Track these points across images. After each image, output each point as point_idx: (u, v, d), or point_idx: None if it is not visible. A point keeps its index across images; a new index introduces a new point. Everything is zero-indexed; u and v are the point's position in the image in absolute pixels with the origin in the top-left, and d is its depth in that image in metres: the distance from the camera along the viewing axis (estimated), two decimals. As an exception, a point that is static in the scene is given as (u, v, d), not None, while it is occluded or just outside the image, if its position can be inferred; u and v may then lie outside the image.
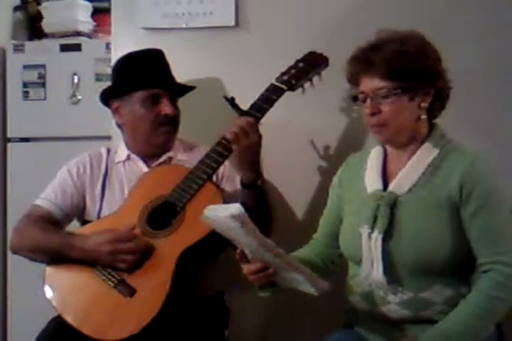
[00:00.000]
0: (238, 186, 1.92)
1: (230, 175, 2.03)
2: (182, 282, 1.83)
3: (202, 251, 1.85)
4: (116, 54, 2.26)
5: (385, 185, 1.71)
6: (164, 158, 2.09)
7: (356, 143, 2.14)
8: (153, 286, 1.81)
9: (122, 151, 2.13)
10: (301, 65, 1.95)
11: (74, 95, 3.10)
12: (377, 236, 1.63)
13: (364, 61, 1.68)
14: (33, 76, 3.14)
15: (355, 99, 1.73)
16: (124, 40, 2.38)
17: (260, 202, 1.89)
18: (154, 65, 2.08)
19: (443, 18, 2.18)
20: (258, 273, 1.60)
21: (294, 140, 2.24)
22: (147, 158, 2.10)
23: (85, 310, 1.86)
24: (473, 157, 1.66)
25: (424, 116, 1.69)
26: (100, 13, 3.31)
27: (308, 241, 1.88)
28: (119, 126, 2.13)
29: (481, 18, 2.18)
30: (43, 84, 3.14)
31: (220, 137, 1.88)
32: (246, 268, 1.61)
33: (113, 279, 1.85)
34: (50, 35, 3.28)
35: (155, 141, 2.06)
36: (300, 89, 1.96)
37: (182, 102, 2.13)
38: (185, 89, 2.14)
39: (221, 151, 1.88)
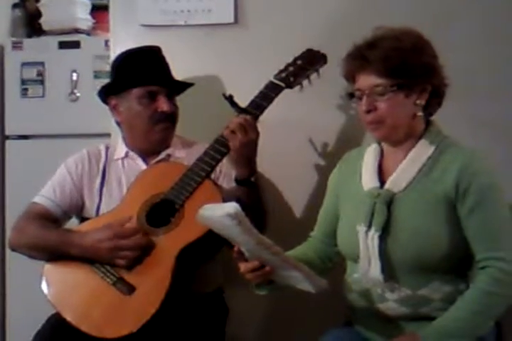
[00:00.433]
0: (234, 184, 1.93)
1: (227, 172, 2.03)
2: (181, 279, 1.83)
3: (201, 248, 1.85)
4: (115, 51, 2.26)
5: (382, 182, 1.70)
6: (163, 155, 2.09)
7: (354, 140, 2.13)
8: (152, 284, 1.81)
9: (121, 148, 2.13)
10: (299, 62, 1.96)
11: (73, 92, 3.10)
12: (374, 233, 1.63)
13: (360, 58, 1.67)
14: (31, 73, 3.14)
15: (351, 96, 1.73)
16: (123, 38, 2.38)
17: (254, 199, 1.89)
18: (151, 62, 2.08)
19: (443, 15, 2.18)
20: (255, 271, 1.59)
21: (292, 137, 2.24)
22: (145, 155, 2.10)
23: (84, 307, 1.86)
24: (470, 154, 1.66)
25: (420, 113, 1.69)
26: (99, 10, 3.30)
27: (305, 239, 1.88)
28: (118, 123, 2.13)
29: (480, 17, 2.18)
30: (42, 82, 3.14)
31: (218, 134, 1.88)
32: (243, 266, 1.61)
33: (112, 276, 1.85)
34: (49, 33, 3.27)
35: (152, 137, 2.06)
36: (298, 87, 1.96)
37: (181, 99, 2.13)
38: (183, 86, 2.14)
39: (219, 149, 1.88)
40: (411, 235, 1.62)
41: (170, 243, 1.84)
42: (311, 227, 1.90)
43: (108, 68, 2.24)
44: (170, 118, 2.06)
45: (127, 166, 2.10)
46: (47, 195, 2.05)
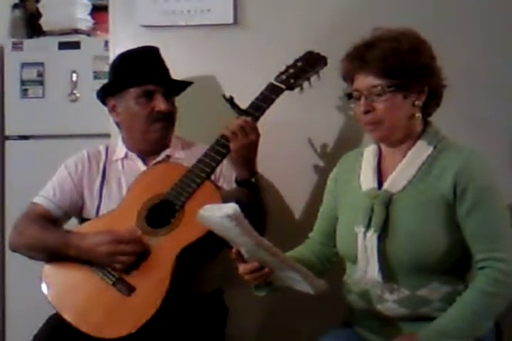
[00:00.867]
0: (234, 185, 1.93)
1: (227, 173, 2.03)
2: (181, 280, 1.83)
3: (201, 249, 1.85)
4: (115, 52, 2.26)
5: (380, 183, 1.71)
6: (162, 156, 2.09)
7: (354, 141, 2.13)
8: (152, 284, 1.81)
9: (120, 149, 2.13)
10: (299, 64, 1.96)
11: (72, 93, 3.10)
12: (372, 234, 1.63)
13: (358, 59, 1.67)
14: (31, 74, 3.14)
15: (349, 96, 1.73)
16: (123, 38, 2.38)
17: (254, 200, 1.89)
18: (147, 61, 2.07)
19: (442, 16, 2.18)
20: (254, 272, 1.60)
21: (292, 139, 2.25)
22: (145, 155, 2.10)
23: (83, 307, 1.86)
24: (468, 154, 1.66)
25: (418, 114, 1.69)
26: (99, 10, 3.31)
27: (304, 240, 1.89)
28: (117, 124, 2.14)
29: (479, 18, 2.18)
30: (42, 82, 3.14)
31: (218, 136, 1.88)
32: (242, 267, 1.61)
33: (111, 277, 1.86)
34: (49, 33, 3.28)
35: (150, 137, 2.06)
36: (298, 89, 1.96)
37: (180, 100, 2.13)
38: (181, 85, 2.14)
39: (220, 150, 1.88)
40: (409, 236, 1.62)
41: (170, 244, 1.84)
42: (310, 228, 1.90)
43: (108, 69, 2.24)
44: (167, 118, 2.06)
45: (127, 167, 2.10)
46: (47, 196, 2.05)
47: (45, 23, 3.30)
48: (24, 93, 3.16)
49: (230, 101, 1.88)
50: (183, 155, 2.09)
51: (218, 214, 1.46)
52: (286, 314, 2.26)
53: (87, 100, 3.00)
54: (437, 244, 1.61)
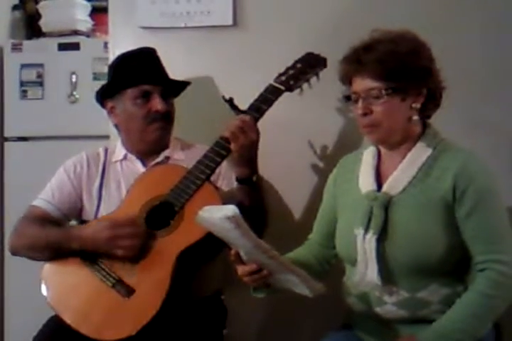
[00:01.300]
0: (235, 185, 1.92)
1: (226, 174, 2.03)
2: (180, 282, 1.83)
3: (200, 251, 1.85)
4: (114, 53, 2.27)
5: (379, 185, 1.70)
6: (161, 157, 2.09)
7: (354, 143, 2.13)
8: (151, 286, 1.81)
9: (119, 151, 2.13)
10: (299, 65, 1.95)
11: (72, 94, 3.10)
12: (371, 237, 1.63)
13: (356, 61, 1.67)
14: (30, 75, 3.14)
15: (347, 99, 1.73)
16: (122, 39, 2.38)
17: (255, 198, 1.89)
18: (143, 62, 2.07)
19: (441, 17, 2.18)
20: (253, 274, 1.60)
21: (291, 140, 2.25)
22: (144, 157, 2.10)
23: (83, 309, 1.86)
24: (467, 156, 1.66)
25: (415, 117, 1.69)
26: (98, 12, 3.31)
27: (303, 242, 1.89)
28: (116, 126, 2.14)
29: (479, 19, 2.18)
30: (41, 83, 3.13)
31: (218, 137, 1.88)
32: (240, 269, 1.61)
33: (111, 279, 1.85)
34: (49, 34, 3.28)
35: (148, 137, 2.06)
36: (298, 90, 1.96)
37: (180, 102, 2.13)
38: (179, 85, 2.13)
39: (219, 151, 1.88)
40: (408, 238, 1.62)
41: (169, 245, 1.84)
42: (310, 229, 1.90)
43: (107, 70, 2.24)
44: (165, 118, 2.05)
45: (126, 168, 2.10)
46: (46, 198, 2.05)
47: (44, 24, 3.30)
48: (23, 94, 3.15)
49: (230, 102, 1.88)
50: (183, 157, 2.09)
51: (217, 215, 1.46)
52: (286, 316, 2.26)
53: (86, 101, 2.98)
54: (436, 246, 1.61)
